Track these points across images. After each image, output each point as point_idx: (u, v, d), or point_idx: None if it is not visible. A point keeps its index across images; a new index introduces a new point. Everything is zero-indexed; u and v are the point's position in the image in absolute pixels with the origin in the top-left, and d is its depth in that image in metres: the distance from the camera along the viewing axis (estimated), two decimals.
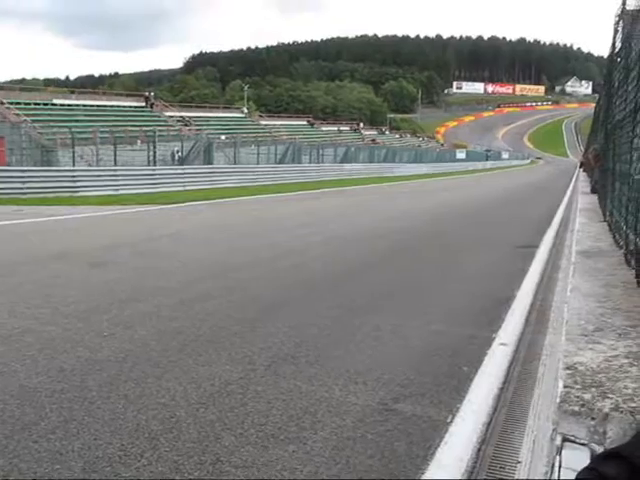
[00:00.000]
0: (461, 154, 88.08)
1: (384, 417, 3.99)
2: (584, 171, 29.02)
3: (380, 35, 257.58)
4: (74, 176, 24.75)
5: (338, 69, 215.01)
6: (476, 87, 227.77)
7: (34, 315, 6.30)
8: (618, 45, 7.21)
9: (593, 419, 1.46)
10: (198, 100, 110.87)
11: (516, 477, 3.27)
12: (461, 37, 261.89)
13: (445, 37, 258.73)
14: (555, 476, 1.44)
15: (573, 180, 37.59)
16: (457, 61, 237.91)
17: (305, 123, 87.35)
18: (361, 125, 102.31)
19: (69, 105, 50.23)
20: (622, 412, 1.46)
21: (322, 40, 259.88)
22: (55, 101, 50.21)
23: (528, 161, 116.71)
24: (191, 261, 9.78)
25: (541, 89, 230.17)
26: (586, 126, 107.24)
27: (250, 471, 3.28)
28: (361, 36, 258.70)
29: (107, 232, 13.68)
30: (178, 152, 33.25)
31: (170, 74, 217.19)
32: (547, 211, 19.52)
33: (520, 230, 15.08)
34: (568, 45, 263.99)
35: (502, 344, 5.65)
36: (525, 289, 8.08)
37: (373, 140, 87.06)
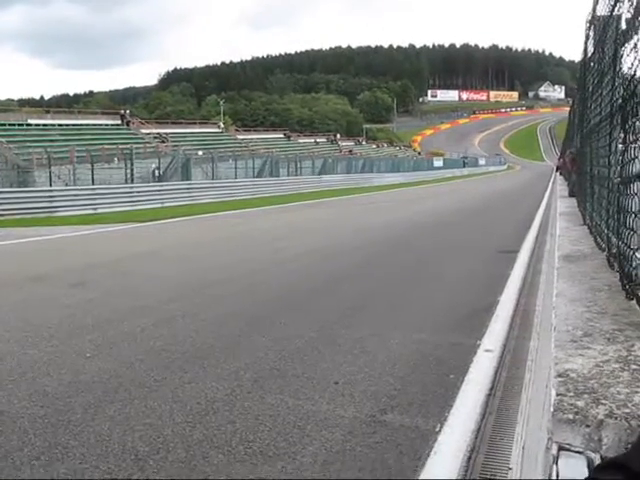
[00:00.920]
0: (438, 162, 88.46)
1: (373, 429, 3.98)
2: (561, 174, 29.20)
3: (354, 46, 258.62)
4: (51, 196, 24.55)
5: (313, 81, 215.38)
6: (451, 95, 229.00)
7: (14, 338, 6.22)
8: (590, 50, 7.28)
9: (588, 426, 1.45)
10: (174, 116, 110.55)
11: None
12: (434, 45, 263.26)
13: (418, 46, 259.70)
14: None
15: (550, 184, 37.84)
16: (431, 69, 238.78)
17: (282, 136, 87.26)
18: (338, 136, 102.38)
19: (44, 125, 49.89)
20: (617, 418, 1.45)
21: (296, 53, 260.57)
22: (30, 121, 49.79)
23: (505, 166, 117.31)
24: (169, 279, 9.72)
25: (515, 95, 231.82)
26: (560, 129, 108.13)
27: None
28: (334, 48, 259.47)
29: (85, 252, 13.56)
30: (158, 169, 33.11)
31: (145, 91, 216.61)
32: (526, 216, 19.64)
33: (500, 235, 15.15)
34: (540, 51, 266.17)
35: (487, 350, 5.66)
36: (508, 294, 8.11)
37: (350, 151, 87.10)
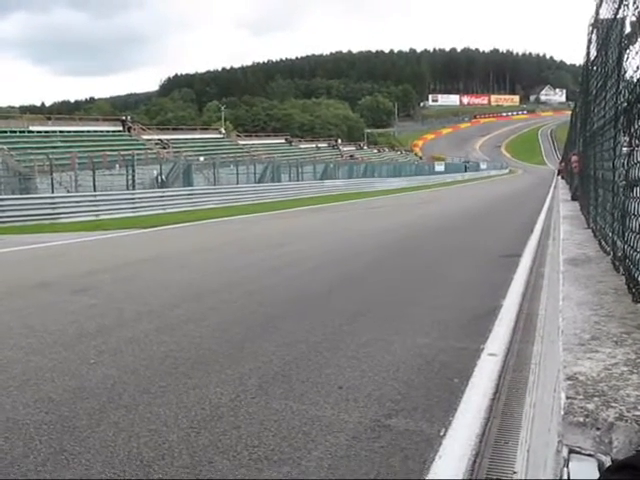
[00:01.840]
0: (440, 166, 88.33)
1: (377, 434, 3.97)
2: (562, 178, 29.17)
3: (354, 51, 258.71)
4: (53, 203, 24.58)
5: (314, 86, 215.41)
6: (452, 99, 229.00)
7: (18, 345, 6.22)
8: (593, 53, 7.27)
9: (598, 429, 1.45)
10: (175, 122, 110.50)
11: None
12: (435, 50, 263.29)
13: (419, 50, 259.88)
14: None
15: (552, 188, 37.82)
16: (432, 74, 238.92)
17: (283, 141, 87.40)
18: (339, 141, 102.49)
19: (46, 132, 50.01)
20: (627, 421, 1.45)
21: (297, 58, 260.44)
22: (32, 128, 49.93)
23: (506, 170, 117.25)
24: (172, 284, 9.71)
25: (516, 99, 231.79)
26: (562, 133, 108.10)
27: None
28: (335, 53, 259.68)
29: (88, 258, 13.57)
30: (160, 175, 33.12)
31: (146, 97, 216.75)
32: (528, 220, 19.63)
33: (503, 239, 15.15)
34: (541, 54, 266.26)
35: (491, 354, 5.65)
36: (511, 298, 8.11)
37: (351, 156, 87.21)
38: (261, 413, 4.31)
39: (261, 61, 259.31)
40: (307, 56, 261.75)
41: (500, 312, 7.31)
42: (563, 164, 31.87)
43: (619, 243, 3.46)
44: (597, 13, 6.36)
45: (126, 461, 3.62)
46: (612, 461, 1.41)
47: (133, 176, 30.02)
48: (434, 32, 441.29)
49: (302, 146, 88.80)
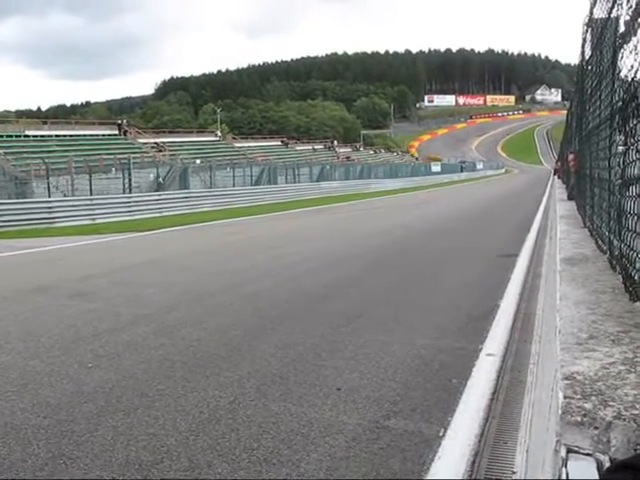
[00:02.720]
0: (436, 167, 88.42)
1: (376, 435, 3.97)
2: (559, 178, 29.19)
3: (350, 53, 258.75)
4: (50, 207, 24.52)
5: (309, 88, 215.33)
6: (447, 100, 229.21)
7: (16, 349, 6.21)
8: (588, 53, 7.28)
9: (596, 428, 1.45)
10: (171, 125, 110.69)
11: None
12: (430, 51, 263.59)
13: (414, 51, 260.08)
14: None
15: (548, 187, 37.84)
16: (427, 75, 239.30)
17: (279, 143, 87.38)
18: (335, 143, 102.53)
19: (42, 136, 50.02)
20: (625, 420, 1.45)
21: (292, 60, 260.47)
22: (28, 132, 49.95)
23: (502, 170, 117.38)
24: (169, 288, 9.70)
25: (511, 99, 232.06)
26: (558, 132, 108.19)
27: None
28: (331, 54, 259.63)
29: (85, 262, 13.55)
30: (158, 177, 33.08)
31: (142, 100, 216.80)
32: (524, 220, 19.65)
33: (499, 239, 15.15)
34: (536, 54, 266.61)
35: (489, 355, 5.66)
36: (508, 298, 8.11)
37: (348, 157, 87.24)
38: (260, 415, 4.31)
39: (256, 63, 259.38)
40: (302, 58, 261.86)
41: (498, 312, 7.31)
42: (559, 163, 31.87)
43: (615, 242, 3.47)
44: (591, 12, 6.37)
45: (124, 465, 3.61)
46: (610, 460, 1.41)
47: (129, 180, 29.98)
48: (429, 33, 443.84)
49: (298, 148, 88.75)
